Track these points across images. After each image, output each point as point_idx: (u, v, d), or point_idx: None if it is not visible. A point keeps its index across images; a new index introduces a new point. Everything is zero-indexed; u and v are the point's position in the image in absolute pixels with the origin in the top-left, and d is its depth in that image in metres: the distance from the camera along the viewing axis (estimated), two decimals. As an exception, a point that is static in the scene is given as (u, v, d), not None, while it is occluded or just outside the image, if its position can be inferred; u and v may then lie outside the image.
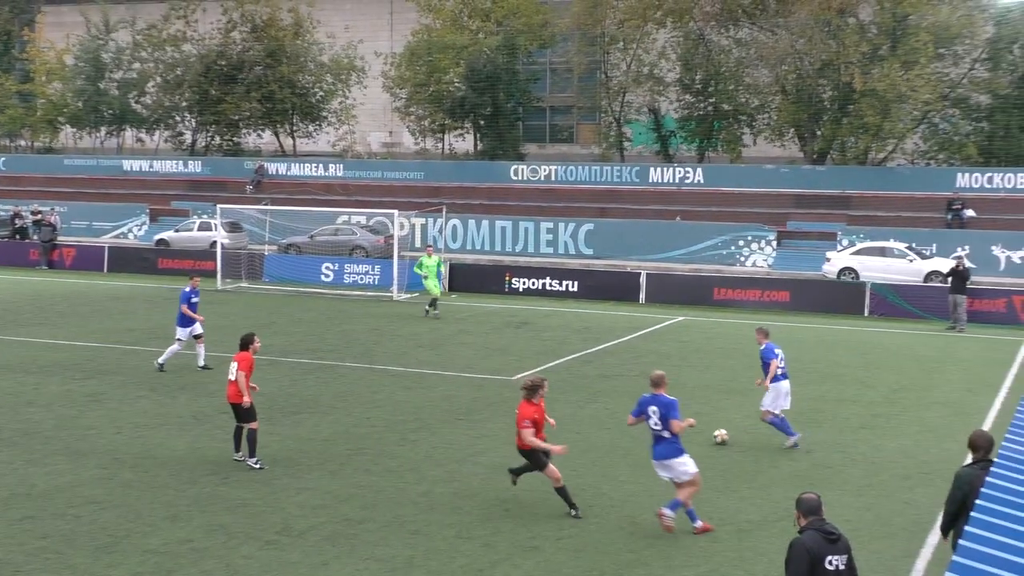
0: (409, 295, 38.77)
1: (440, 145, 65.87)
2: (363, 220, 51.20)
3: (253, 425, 16.33)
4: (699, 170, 54.17)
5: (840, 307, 36.20)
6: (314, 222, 48.64)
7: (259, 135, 69.53)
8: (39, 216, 51.62)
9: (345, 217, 51.49)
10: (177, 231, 51.93)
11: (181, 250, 48.09)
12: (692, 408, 21.05)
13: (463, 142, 65.24)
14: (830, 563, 8.49)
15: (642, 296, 38.37)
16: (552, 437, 18.69)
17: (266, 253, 45.55)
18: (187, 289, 24.87)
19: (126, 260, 46.24)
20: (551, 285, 39.93)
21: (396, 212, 42.77)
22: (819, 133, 55.17)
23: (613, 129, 61.10)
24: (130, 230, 57.38)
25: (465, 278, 40.88)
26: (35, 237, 50.11)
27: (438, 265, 35.17)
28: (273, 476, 15.97)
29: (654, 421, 13.94)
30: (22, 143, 75.22)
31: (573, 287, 39.45)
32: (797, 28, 52.04)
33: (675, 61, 58.70)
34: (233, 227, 49.69)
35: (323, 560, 12.73)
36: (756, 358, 25.60)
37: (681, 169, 54.42)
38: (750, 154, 58.91)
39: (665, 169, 54.77)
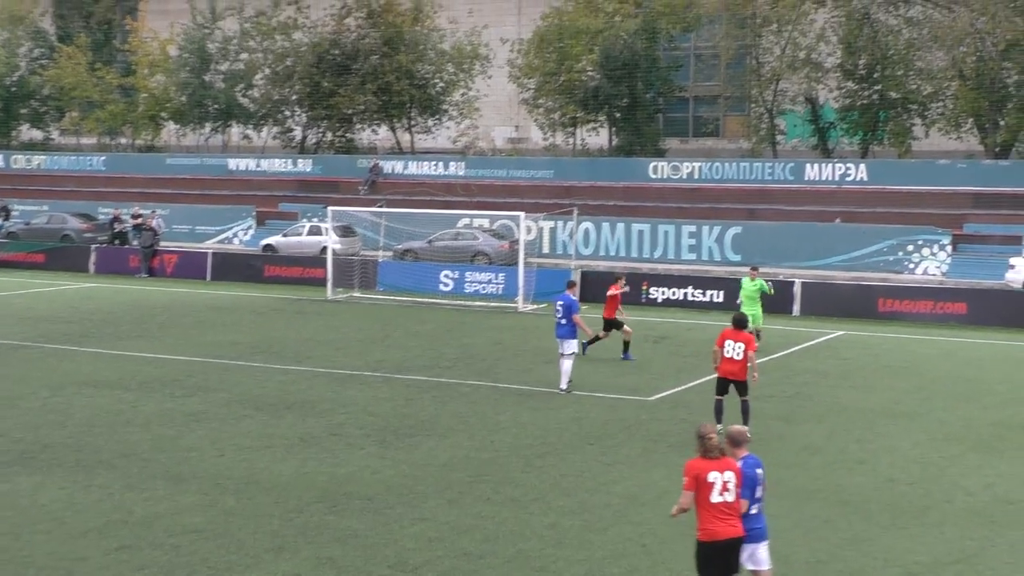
0: (536, 305, 38.84)
1: (571, 140, 66.00)
2: (486, 223, 51.56)
3: (747, 397, 20.15)
4: (862, 166, 53.26)
5: (1026, 321, 35.15)
6: (433, 225, 49.13)
7: (374, 131, 70.56)
8: (139, 220, 53.20)
9: (467, 220, 51.91)
10: (285, 235, 52.96)
11: (289, 256, 48.93)
12: (854, 434, 20.71)
13: (597, 137, 65.26)
14: None
15: (796, 308, 37.78)
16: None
17: (380, 260, 46.07)
18: (574, 297, 24.82)
19: (231, 267, 47.20)
20: (694, 295, 39.58)
21: (523, 214, 42.86)
22: (1002, 123, 53.76)
23: (765, 121, 60.48)
24: (235, 234, 58.84)
25: (598, 287, 40.67)
26: (135, 242, 51.63)
27: (761, 289, 30.18)
28: (386, 505, 16.13)
29: (760, 488, 11.55)
30: (123, 141, 77.70)
31: (718, 298, 39.03)
32: (978, 5, 50.75)
33: (836, 44, 57.84)
34: (345, 231, 50.49)
35: (439, 598, 12.80)
36: (927, 379, 25.02)
37: (842, 165, 53.60)
38: (921, 148, 57.69)
39: (823, 165, 53.99)
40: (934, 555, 14.37)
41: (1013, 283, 39.94)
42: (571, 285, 25.71)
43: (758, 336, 30.19)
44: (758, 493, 11.34)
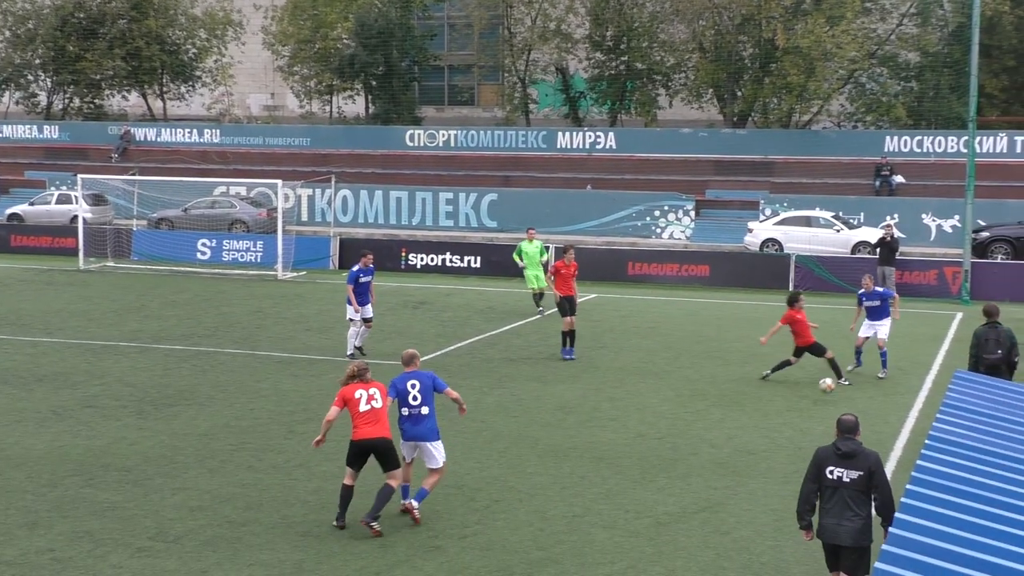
0: (295, 273, 38.43)
1: (328, 108, 65.36)
2: (243, 191, 50.60)
3: (830, 354, 21.84)
4: (611, 134, 54.53)
5: (763, 281, 36.72)
6: (188, 193, 47.92)
7: (124, 97, 68.31)
8: None
9: (223, 188, 50.81)
10: (32, 204, 50.88)
11: (37, 225, 47.06)
12: (606, 392, 21.29)
13: (353, 105, 64.82)
14: (831, 472, 10.86)
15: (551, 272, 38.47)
16: (455, 425, 18.75)
17: (134, 228, 44.80)
18: (355, 268, 24.65)
19: (-26, 238, 45.14)
20: (451, 261, 39.88)
21: (280, 182, 42.23)
22: (739, 94, 55.89)
23: (517, 90, 61.19)
24: (-22, 204, 55.97)
25: (357, 254, 40.51)
26: None
27: (541, 251, 31.40)
28: (145, 476, 15.75)
29: (413, 396, 14.13)
30: None
31: (475, 263, 39.44)
32: (715, -20, 52.54)
33: (584, 16, 58.98)
34: (97, 199, 48.83)
35: (202, 567, 12.61)
36: (674, 338, 25.89)
37: (592, 133, 54.72)
38: (666, 117, 59.47)
39: (574, 134, 55.03)
40: (682, 505, 14.94)
41: (751, 246, 41.65)
42: (364, 255, 25.33)
43: (540, 297, 31.01)
44: (413, 400, 14.05)
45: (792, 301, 22.17)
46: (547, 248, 32.38)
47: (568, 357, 24.26)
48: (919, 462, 11.33)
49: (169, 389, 21.15)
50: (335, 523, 13.86)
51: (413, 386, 14.16)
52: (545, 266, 30.58)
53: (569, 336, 24.58)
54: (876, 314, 23.25)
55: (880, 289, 23.84)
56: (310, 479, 15.79)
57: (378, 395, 13.98)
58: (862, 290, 23.56)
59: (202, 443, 17.52)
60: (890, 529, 9.90)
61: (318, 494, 15.14)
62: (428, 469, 14.23)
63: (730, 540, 13.69)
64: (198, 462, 16.50)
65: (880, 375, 22.98)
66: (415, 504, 14.12)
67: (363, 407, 13.88)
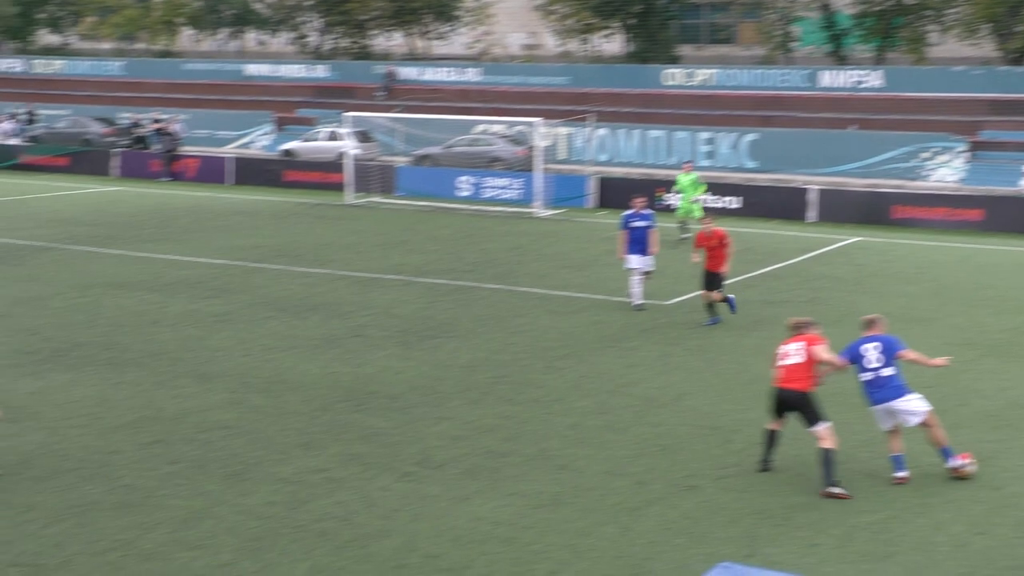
0: (554, 211, 38.77)
1: (586, 47, 65.43)
2: (503, 129, 51.30)
3: None
4: (877, 73, 52.71)
5: (1042, 228, 35.00)
6: (450, 131, 48.90)
7: (388, 37, 70.02)
8: (160, 125, 52.92)
9: (483, 126, 51.62)
10: (304, 140, 52.74)
11: (308, 161, 48.84)
12: (869, 339, 20.69)
13: (611, 44, 64.70)
14: None
15: (812, 214, 37.62)
16: (712, 367, 18.62)
17: (398, 165, 45.95)
18: (627, 212, 23.00)
19: (251, 172, 47.11)
20: (709, 201, 39.35)
21: (539, 120, 42.66)
22: (1019, 29, 53.03)
23: (779, 27, 59.80)
24: (254, 139, 58.54)
25: (615, 193, 40.57)
26: (156, 147, 51.47)
27: (694, 185, 32.89)
28: (410, 404, 16.27)
29: (871, 359, 13.67)
30: (140, 46, 77.09)
31: (735, 204, 38.87)
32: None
33: (851, -53, 57.08)
34: (363, 137, 50.21)
35: (464, 494, 12.95)
36: (941, 285, 25.00)
37: (856, 72, 53.03)
38: (937, 54, 57.09)
39: (838, 72, 53.45)
40: (949, 456, 14.44)
41: (1028, 190, 39.73)
42: (634, 199, 23.19)
43: (682, 226, 32.22)
44: (875, 362, 13.67)
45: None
46: (700, 181, 33.82)
47: (711, 323, 21.76)
48: None
49: (431, 321, 21.73)
50: (758, 466, 13.90)
51: (871, 349, 13.76)
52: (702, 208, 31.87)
53: (711, 307, 22.06)
54: None
55: None
56: (568, 414, 15.98)
57: (794, 350, 13.82)
58: None
59: (463, 375, 17.96)
60: None
61: (576, 429, 15.32)
62: (923, 428, 13.74)
63: (1001, 496, 13.19)
64: (459, 393, 16.93)
65: None
66: (958, 463, 13.68)
67: (780, 361, 13.90)
